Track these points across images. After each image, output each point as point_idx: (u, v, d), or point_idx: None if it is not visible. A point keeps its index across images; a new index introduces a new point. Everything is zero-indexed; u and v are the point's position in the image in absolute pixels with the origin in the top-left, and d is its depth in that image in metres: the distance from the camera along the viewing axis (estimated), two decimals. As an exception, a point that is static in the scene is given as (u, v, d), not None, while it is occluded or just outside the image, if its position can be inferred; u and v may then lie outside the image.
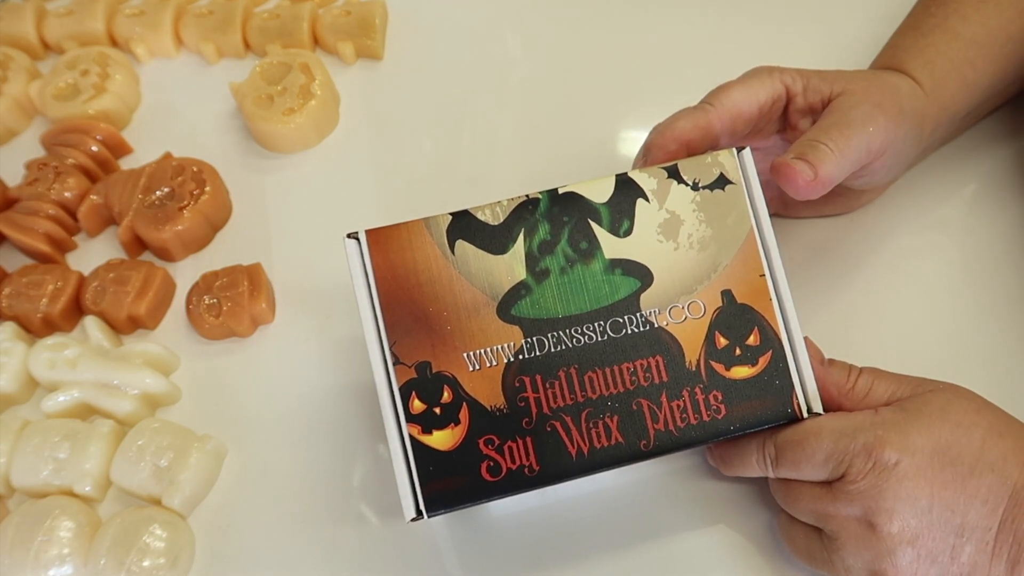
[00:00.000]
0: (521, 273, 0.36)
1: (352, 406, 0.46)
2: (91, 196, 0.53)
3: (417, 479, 0.34)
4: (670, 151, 0.40)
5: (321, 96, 0.56)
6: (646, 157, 0.41)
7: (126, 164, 0.58)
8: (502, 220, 0.36)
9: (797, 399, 0.36)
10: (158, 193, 0.53)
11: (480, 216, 0.36)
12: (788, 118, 0.43)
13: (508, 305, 0.35)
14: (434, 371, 0.35)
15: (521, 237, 0.36)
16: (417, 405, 0.35)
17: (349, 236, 0.35)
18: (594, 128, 0.56)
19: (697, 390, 0.36)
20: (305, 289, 0.51)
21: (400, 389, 0.35)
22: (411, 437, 0.34)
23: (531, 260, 0.36)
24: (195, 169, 0.53)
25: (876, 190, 0.47)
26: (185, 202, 0.52)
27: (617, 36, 0.60)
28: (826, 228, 0.48)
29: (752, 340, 0.36)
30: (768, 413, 0.36)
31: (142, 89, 0.62)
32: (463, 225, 0.36)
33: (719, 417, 0.35)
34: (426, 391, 0.35)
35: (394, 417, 0.35)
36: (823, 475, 0.35)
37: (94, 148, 0.56)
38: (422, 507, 0.34)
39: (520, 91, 0.58)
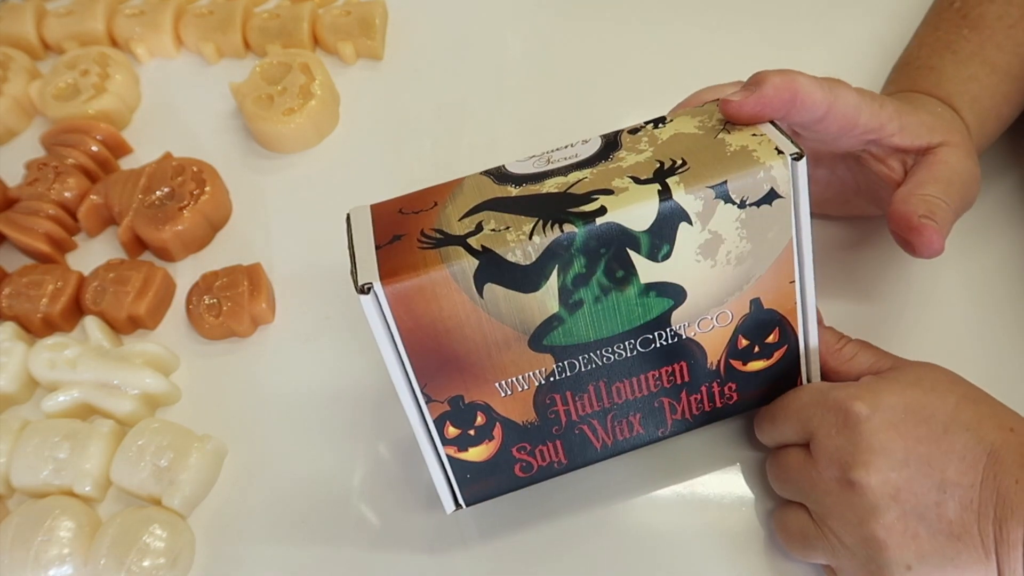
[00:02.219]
0: (554, 307, 0.33)
1: (352, 405, 0.46)
2: (91, 196, 0.53)
3: (456, 486, 0.37)
4: (784, 99, 0.35)
5: (321, 96, 0.56)
6: (751, 88, 0.36)
7: (126, 164, 0.58)
8: (534, 260, 0.32)
9: (801, 380, 0.38)
10: (158, 193, 0.53)
11: (510, 258, 0.32)
12: (875, 153, 0.41)
13: (540, 337, 0.34)
14: (467, 401, 0.35)
15: (555, 274, 0.33)
16: (452, 431, 0.35)
17: (361, 291, 0.32)
18: (594, 128, 0.55)
19: (715, 384, 0.37)
20: (305, 289, 0.51)
21: (435, 421, 0.35)
22: (448, 456, 0.36)
23: (564, 294, 0.33)
24: (195, 169, 0.53)
25: None
26: (185, 202, 0.52)
27: (617, 36, 0.60)
28: (831, 229, 0.48)
29: (772, 339, 0.37)
30: (774, 394, 0.38)
31: (142, 89, 0.62)
32: (492, 269, 0.32)
33: (731, 403, 0.38)
34: (460, 419, 0.35)
35: (429, 442, 0.35)
36: (796, 430, 0.36)
37: (94, 148, 0.56)
38: (461, 503, 0.38)
39: (520, 91, 0.58)
